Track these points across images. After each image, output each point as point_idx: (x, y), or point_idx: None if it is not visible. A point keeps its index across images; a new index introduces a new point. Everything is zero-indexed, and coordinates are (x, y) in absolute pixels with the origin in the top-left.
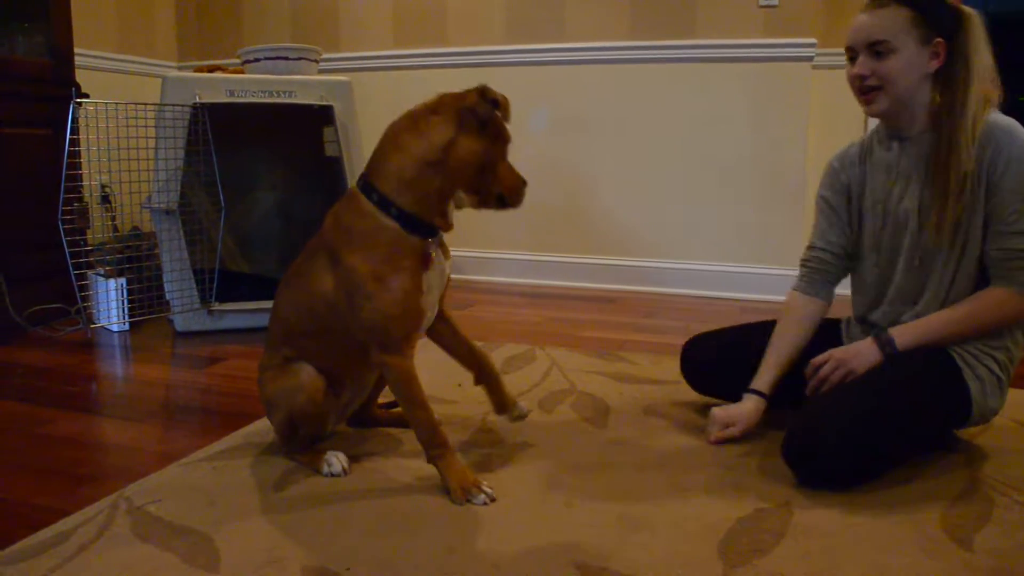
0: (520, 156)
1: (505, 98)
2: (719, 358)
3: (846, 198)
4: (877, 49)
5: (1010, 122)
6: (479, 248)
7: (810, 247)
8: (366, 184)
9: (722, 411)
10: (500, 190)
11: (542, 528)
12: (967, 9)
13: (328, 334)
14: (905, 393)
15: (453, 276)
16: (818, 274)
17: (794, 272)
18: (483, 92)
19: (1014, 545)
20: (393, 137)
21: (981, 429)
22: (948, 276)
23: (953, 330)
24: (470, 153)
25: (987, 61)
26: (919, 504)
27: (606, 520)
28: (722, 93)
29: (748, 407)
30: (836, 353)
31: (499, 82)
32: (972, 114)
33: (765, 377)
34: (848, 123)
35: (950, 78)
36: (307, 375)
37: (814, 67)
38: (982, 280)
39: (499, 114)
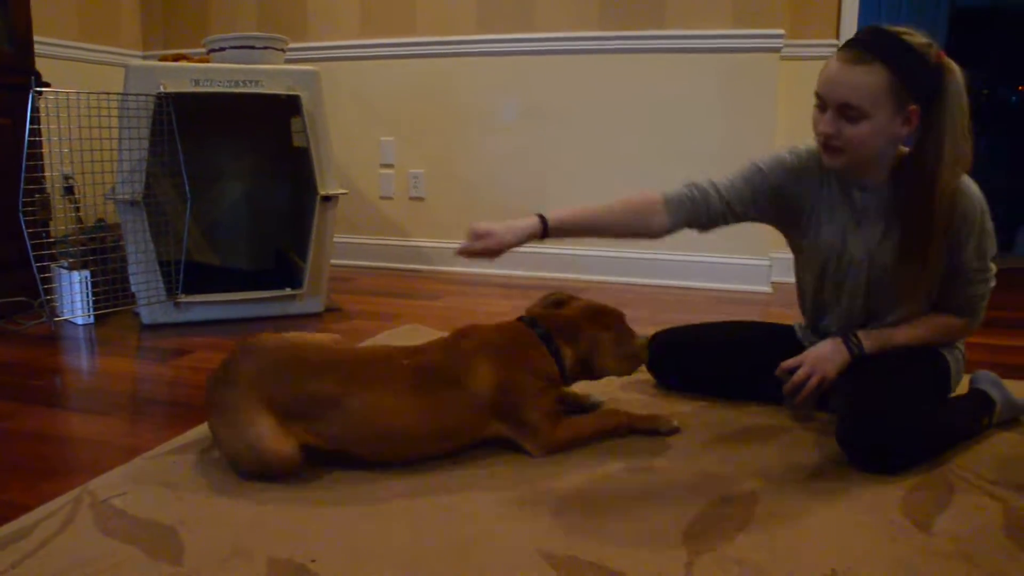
0: (490, 146)
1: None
2: (681, 349)
3: (783, 201)
4: (848, 113)
5: (974, 190)
6: (447, 239)
7: (712, 184)
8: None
9: (483, 225)
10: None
11: (509, 516)
12: (949, 65)
13: None
14: (931, 376)
15: (424, 267)
16: (691, 204)
17: (763, 262)
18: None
19: (973, 529)
20: None
21: None
22: (898, 307)
23: (911, 342)
24: None
25: (962, 123)
26: (880, 489)
27: (572, 508)
28: (691, 83)
29: (519, 223)
30: (808, 358)
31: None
32: (945, 180)
33: (561, 214)
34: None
35: (922, 142)
36: None
37: (782, 58)
38: (925, 303)
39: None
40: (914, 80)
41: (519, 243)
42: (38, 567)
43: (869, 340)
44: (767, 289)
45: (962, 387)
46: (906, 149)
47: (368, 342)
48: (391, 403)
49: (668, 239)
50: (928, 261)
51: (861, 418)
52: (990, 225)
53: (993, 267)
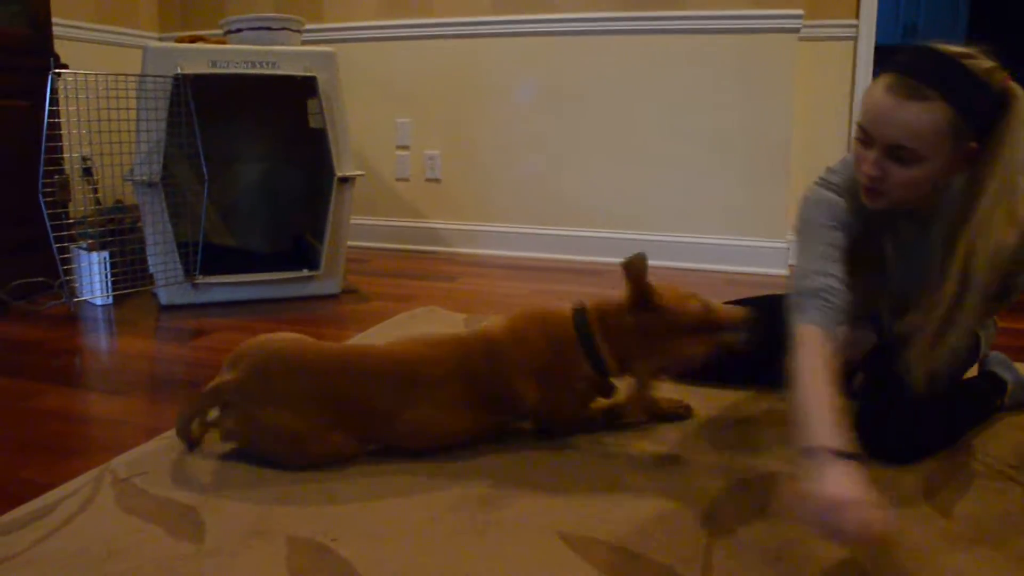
0: (506, 128)
1: None
2: None
3: (841, 230)
4: (899, 154)
5: None
6: (463, 220)
7: (819, 274)
8: None
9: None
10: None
11: (526, 496)
12: (1015, 91)
13: None
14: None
15: (440, 248)
16: (832, 308)
17: (780, 244)
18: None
19: (992, 514)
20: None
21: None
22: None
23: None
24: None
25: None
26: (901, 475)
27: (590, 489)
28: (708, 64)
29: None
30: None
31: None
32: (995, 222)
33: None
34: (833, 94)
35: (975, 176)
36: None
37: (800, 39)
38: None
39: None
40: (976, 111)
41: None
42: (60, 544)
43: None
44: (784, 272)
45: (972, 369)
46: None
47: (385, 323)
48: (441, 418)
49: (681, 221)
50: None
51: (882, 418)
52: None
53: None
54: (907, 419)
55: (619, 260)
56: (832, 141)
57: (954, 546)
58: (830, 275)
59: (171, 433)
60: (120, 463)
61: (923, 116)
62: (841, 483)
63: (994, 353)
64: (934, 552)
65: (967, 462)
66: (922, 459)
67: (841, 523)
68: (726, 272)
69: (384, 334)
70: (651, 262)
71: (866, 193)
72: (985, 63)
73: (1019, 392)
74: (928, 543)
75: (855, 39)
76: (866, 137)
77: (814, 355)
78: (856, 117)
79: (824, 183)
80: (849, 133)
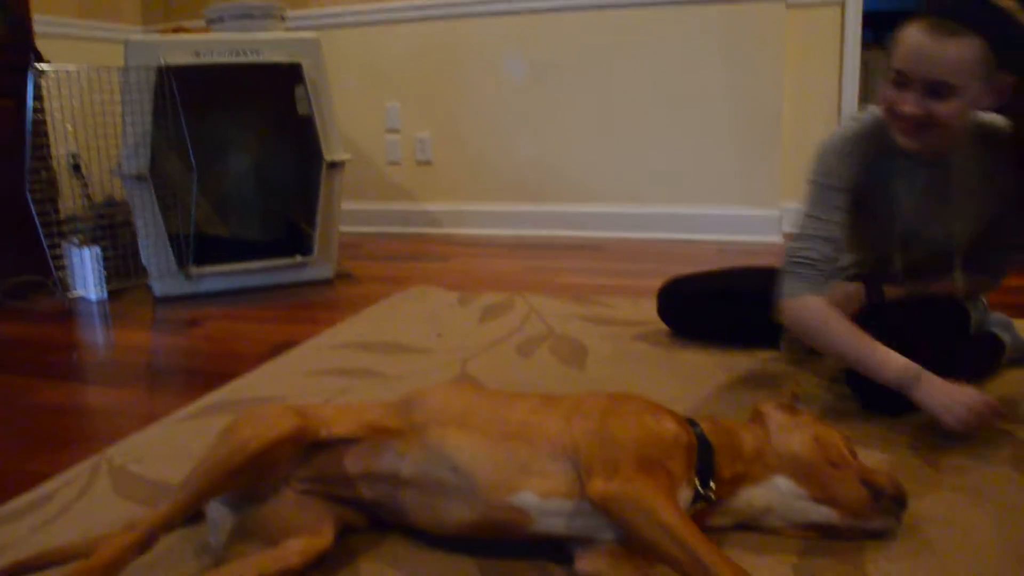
0: (496, 107)
1: None
2: (699, 295)
3: (857, 196)
4: (937, 89)
5: None
6: (455, 202)
7: (823, 250)
8: None
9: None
10: None
11: None
12: None
13: None
14: (952, 321)
15: (433, 230)
16: (824, 275)
17: (773, 213)
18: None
19: (978, 462)
20: None
21: None
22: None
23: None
24: None
25: None
26: (888, 428)
27: None
28: (697, 35)
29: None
30: None
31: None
32: None
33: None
34: (823, 63)
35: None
36: None
37: (788, 6)
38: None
39: None
40: (1009, 45)
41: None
42: (59, 531)
43: (893, 290)
44: (778, 240)
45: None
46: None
47: (379, 304)
48: None
49: (674, 193)
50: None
51: (872, 387)
52: None
53: None
54: None
55: (612, 235)
56: (823, 108)
57: (941, 495)
58: (828, 242)
59: (167, 420)
60: (116, 451)
61: (958, 50)
62: (950, 386)
63: (996, 314)
64: (922, 501)
65: None
66: (913, 411)
67: (978, 410)
68: (719, 242)
69: (377, 316)
70: (644, 235)
71: (909, 133)
72: (1011, 3)
73: (1016, 352)
74: (917, 492)
75: (843, 5)
76: (903, 80)
77: (827, 311)
78: (893, 63)
79: (842, 132)
80: (840, 100)
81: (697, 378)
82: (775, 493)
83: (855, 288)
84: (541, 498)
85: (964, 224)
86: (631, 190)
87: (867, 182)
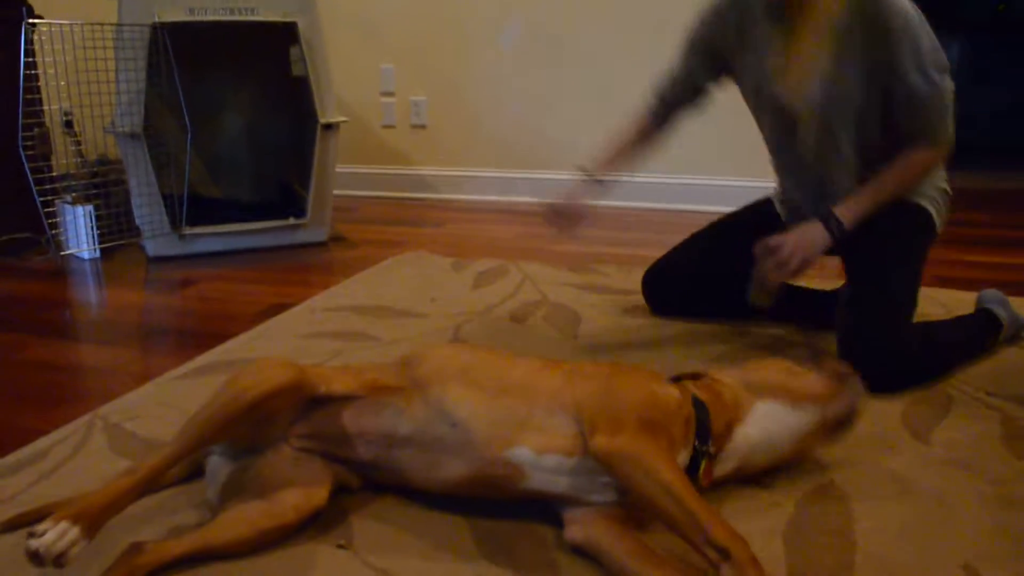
0: (492, 70)
1: None
2: (684, 291)
3: (717, 52)
4: None
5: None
6: (450, 167)
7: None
8: None
9: (559, 205)
10: None
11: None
12: None
13: None
14: (920, 253)
15: (428, 195)
16: (669, 84)
17: (766, 184)
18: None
19: (968, 438)
20: None
21: None
22: (852, 156)
23: (886, 197)
24: None
25: None
26: (881, 402)
27: None
28: (700, 3)
29: (576, 189)
30: (790, 239)
31: None
32: None
33: (601, 160)
34: None
35: None
36: None
37: None
38: (891, 146)
39: None
40: None
41: (587, 199)
42: (54, 486)
43: (847, 215)
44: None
45: (968, 306)
46: None
47: (373, 269)
48: None
49: (668, 163)
50: (808, 47)
51: (861, 351)
52: (925, 35)
53: (947, 82)
54: (892, 354)
55: (605, 203)
56: None
57: (932, 470)
58: (671, 78)
59: (161, 379)
60: (111, 409)
61: None
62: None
63: (991, 290)
64: (912, 475)
65: (946, 390)
66: (904, 388)
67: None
68: (715, 212)
69: (371, 280)
70: (646, 204)
71: None
72: None
73: (1013, 328)
74: (906, 467)
75: None
76: None
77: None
78: None
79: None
80: None
81: (691, 347)
82: (762, 419)
83: (814, 227)
84: (536, 453)
85: (832, 86)
86: None
87: (736, 46)
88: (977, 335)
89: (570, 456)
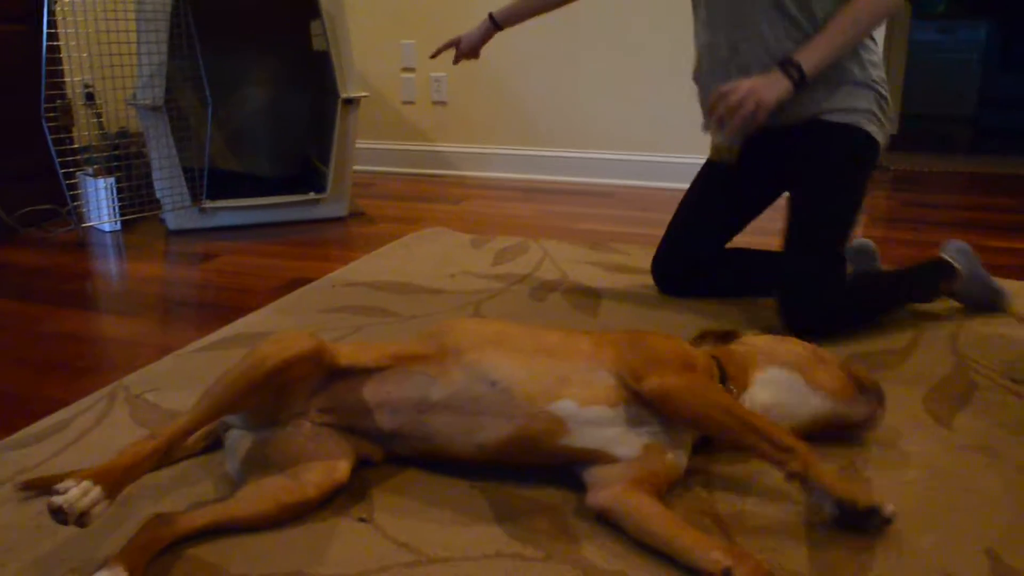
0: (511, 49)
1: None
2: (695, 276)
3: None
4: None
5: None
6: (470, 143)
7: None
8: None
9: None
10: None
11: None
12: None
13: None
14: (854, 193)
15: (447, 172)
16: None
17: None
18: None
19: (991, 424)
20: None
21: (972, 315)
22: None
23: (842, 41)
24: None
25: None
26: (904, 387)
27: None
28: None
29: (474, 29)
30: (744, 83)
31: None
32: None
33: (513, 14)
34: None
35: None
36: None
37: None
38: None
39: None
40: None
41: (480, 40)
42: (77, 455)
43: (807, 60)
44: None
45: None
46: None
47: (392, 245)
48: None
49: (692, 142)
50: None
51: (797, 305)
52: None
53: None
54: (826, 291)
55: (623, 182)
56: None
57: (955, 455)
58: None
59: (182, 351)
60: (133, 380)
61: None
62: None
63: (955, 241)
64: (936, 460)
65: (969, 375)
66: (843, 331)
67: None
68: None
69: (390, 255)
70: (666, 184)
71: None
72: None
73: (977, 287)
74: (929, 451)
75: None
76: None
77: None
78: None
79: None
80: None
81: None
82: (773, 384)
83: (772, 74)
84: (580, 405)
85: None
86: (651, 138)
87: None
88: (923, 284)
89: (613, 407)
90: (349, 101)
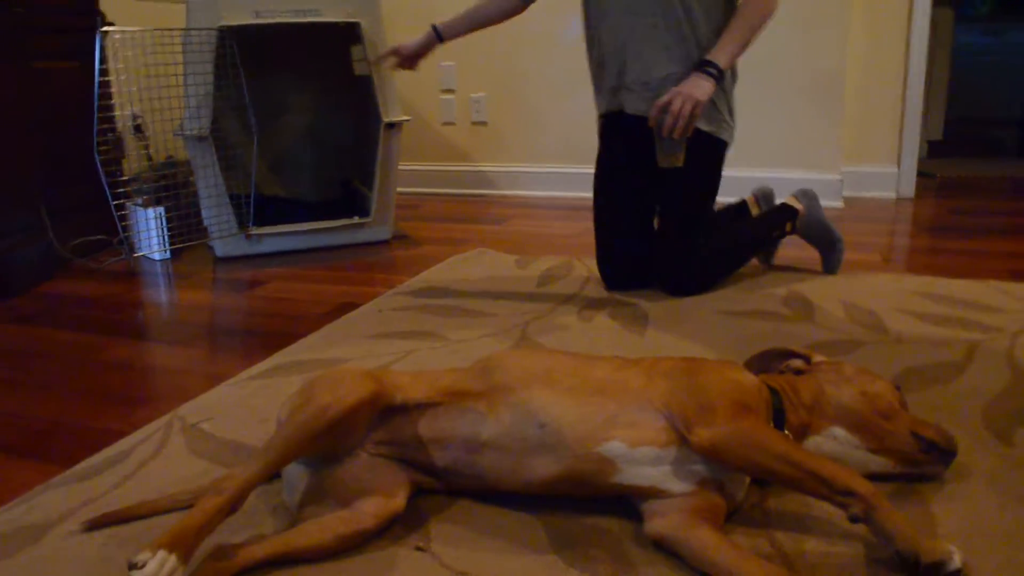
0: (552, 68)
1: None
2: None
3: None
4: None
5: None
6: (511, 163)
7: None
8: None
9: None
10: None
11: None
12: None
13: None
14: (707, 184)
15: (489, 191)
16: None
17: (833, 177)
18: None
19: None
20: None
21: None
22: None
23: (745, 36)
24: None
25: None
26: (961, 402)
27: None
28: None
29: (417, 38)
30: (677, 92)
31: None
32: None
33: (447, 20)
34: (889, 22)
35: None
36: None
37: None
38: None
39: None
40: None
41: (421, 50)
42: (138, 487)
43: (718, 57)
44: (838, 204)
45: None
46: None
47: (438, 267)
48: None
49: (735, 157)
50: None
51: (667, 271)
52: None
53: None
54: (692, 262)
55: None
56: (888, 69)
57: (1017, 472)
58: None
59: (233, 380)
60: (187, 410)
61: None
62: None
63: (804, 188)
64: (996, 477)
65: None
66: (709, 287)
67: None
68: None
69: (436, 277)
70: None
71: None
72: None
73: (816, 227)
74: (990, 469)
75: None
76: None
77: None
78: None
79: None
80: (907, 61)
81: (759, 345)
82: (835, 443)
83: (694, 76)
84: (630, 447)
85: None
86: None
87: None
88: (768, 227)
89: (664, 447)
90: (391, 125)
